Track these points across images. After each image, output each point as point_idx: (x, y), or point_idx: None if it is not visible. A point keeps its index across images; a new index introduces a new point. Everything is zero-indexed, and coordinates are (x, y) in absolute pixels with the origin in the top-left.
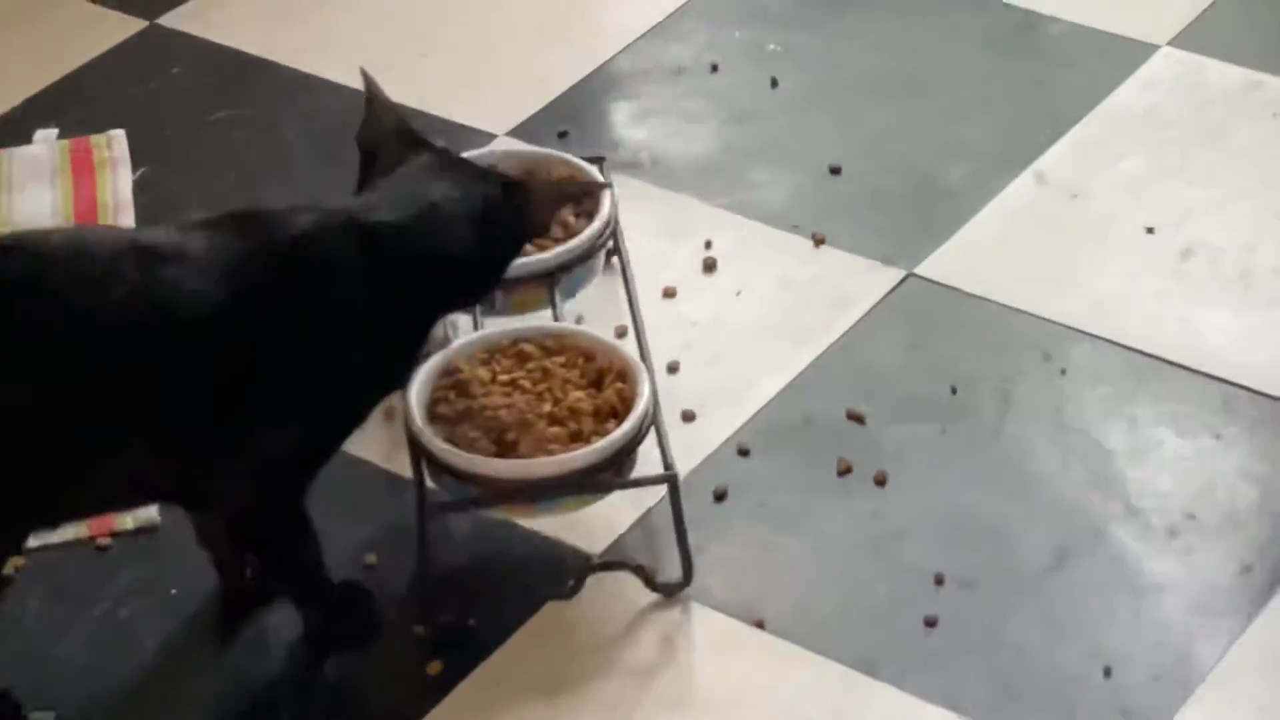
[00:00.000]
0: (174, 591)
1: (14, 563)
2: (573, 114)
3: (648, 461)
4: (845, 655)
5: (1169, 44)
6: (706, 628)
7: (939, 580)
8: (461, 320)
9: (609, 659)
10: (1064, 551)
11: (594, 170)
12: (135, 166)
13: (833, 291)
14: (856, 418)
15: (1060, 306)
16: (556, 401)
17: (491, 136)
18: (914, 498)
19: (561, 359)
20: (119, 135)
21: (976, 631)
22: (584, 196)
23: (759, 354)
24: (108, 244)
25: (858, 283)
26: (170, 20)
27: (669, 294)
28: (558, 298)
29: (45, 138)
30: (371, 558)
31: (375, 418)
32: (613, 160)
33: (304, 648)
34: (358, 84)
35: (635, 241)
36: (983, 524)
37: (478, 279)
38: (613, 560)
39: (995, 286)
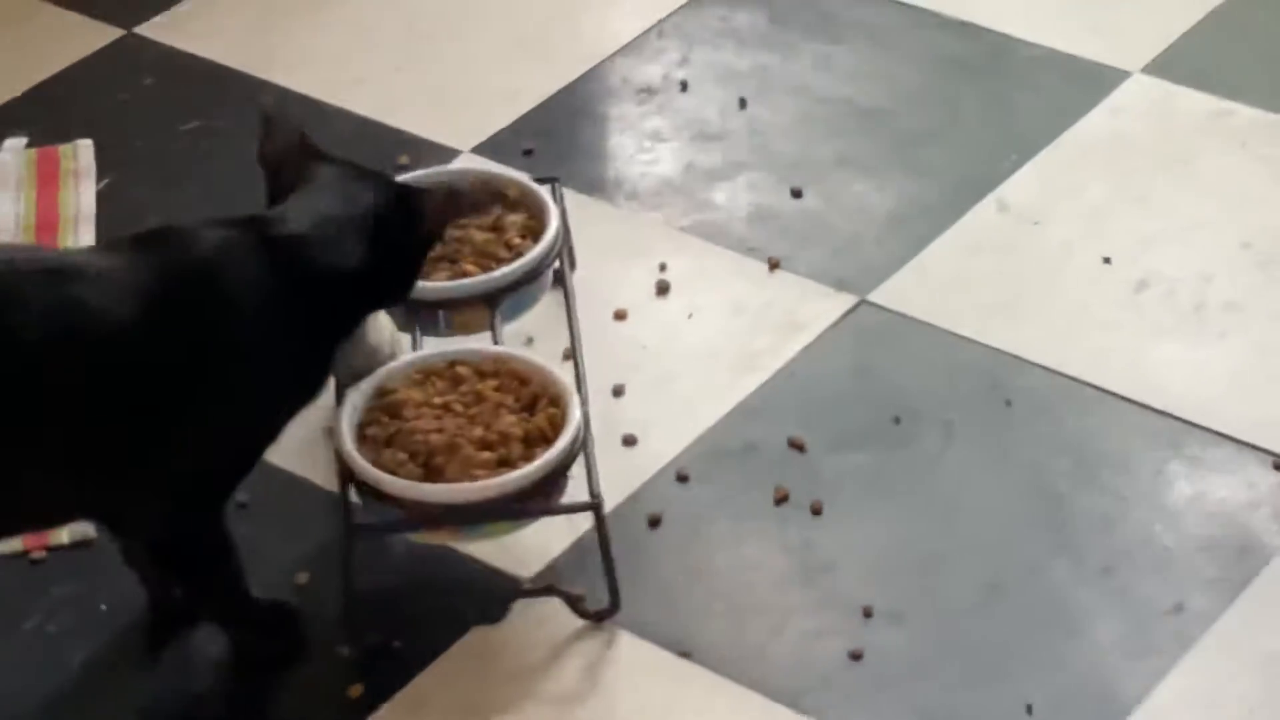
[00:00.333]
0: (104, 607)
1: None
2: (540, 131)
3: (584, 487)
4: (768, 687)
5: (1141, 70)
6: (632, 656)
7: (868, 613)
8: (404, 340)
9: (531, 686)
10: (995, 587)
11: (544, 190)
12: (102, 176)
13: (784, 317)
14: (798, 445)
15: (1011, 336)
16: (487, 426)
17: (456, 153)
18: (849, 528)
19: (496, 382)
20: (86, 145)
21: (902, 666)
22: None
23: (705, 379)
24: (17, 264)
25: (810, 308)
26: (147, 30)
27: (620, 316)
28: (498, 319)
29: (13, 147)
30: (304, 577)
31: (317, 437)
32: (575, 180)
33: (229, 667)
34: (329, 98)
35: (590, 262)
36: (916, 557)
37: (382, 287)
38: (540, 586)
39: (947, 314)
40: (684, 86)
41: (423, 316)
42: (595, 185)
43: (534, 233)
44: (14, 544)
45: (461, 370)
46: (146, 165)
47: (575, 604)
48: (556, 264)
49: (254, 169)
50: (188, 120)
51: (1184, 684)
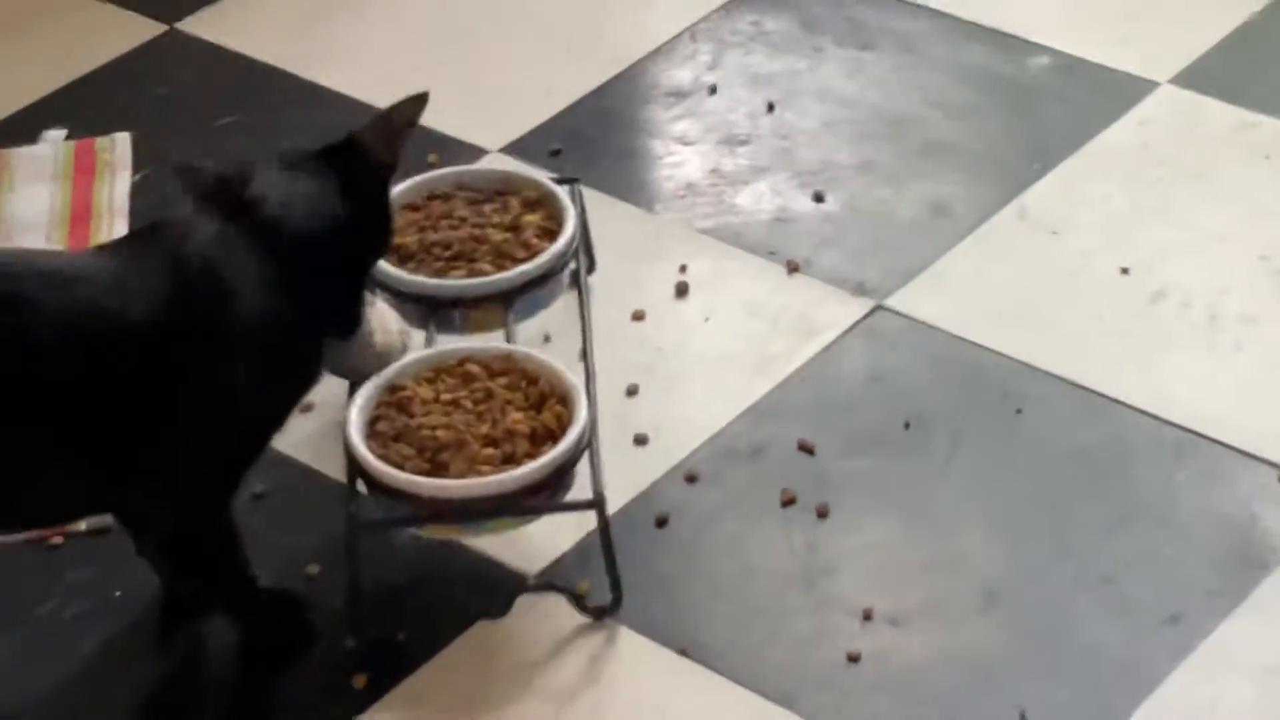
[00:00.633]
0: (118, 593)
1: None
2: (568, 132)
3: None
4: (764, 686)
5: (1169, 81)
6: (632, 652)
7: (867, 616)
8: (416, 339)
9: (531, 680)
10: (995, 593)
11: (564, 191)
12: (137, 169)
13: (800, 321)
14: (807, 449)
15: (1024, 344)
16: (494, 423)
17: (485, 152)
18: (853, 532)
19: (505, 380)
20: (123, 138)
21: (898, 669)
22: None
23: (719, 381)
24: (27, 267)
25: (826, 313)
26: (189, 25)
27: (638, 317)
28: (512, 319)
29: (53, 138)
30: (314, 568)
31: (332, 430)
32: (600, 181)
33: (238, 654)
34: (363, 95)
35: (612, 263)
36: (918, 561)
37: (363, 237)
38: (544, 582)
39: (962, 321)
40: (713, 90)
41: (439, 315)
42: (620, 187)
43: (551, 233)
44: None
45: (472, 368)
46: (180, 158)
47: (578, 600)
48: (573, 264)
49: None
50: (223, 115)
51: (1176, 694)
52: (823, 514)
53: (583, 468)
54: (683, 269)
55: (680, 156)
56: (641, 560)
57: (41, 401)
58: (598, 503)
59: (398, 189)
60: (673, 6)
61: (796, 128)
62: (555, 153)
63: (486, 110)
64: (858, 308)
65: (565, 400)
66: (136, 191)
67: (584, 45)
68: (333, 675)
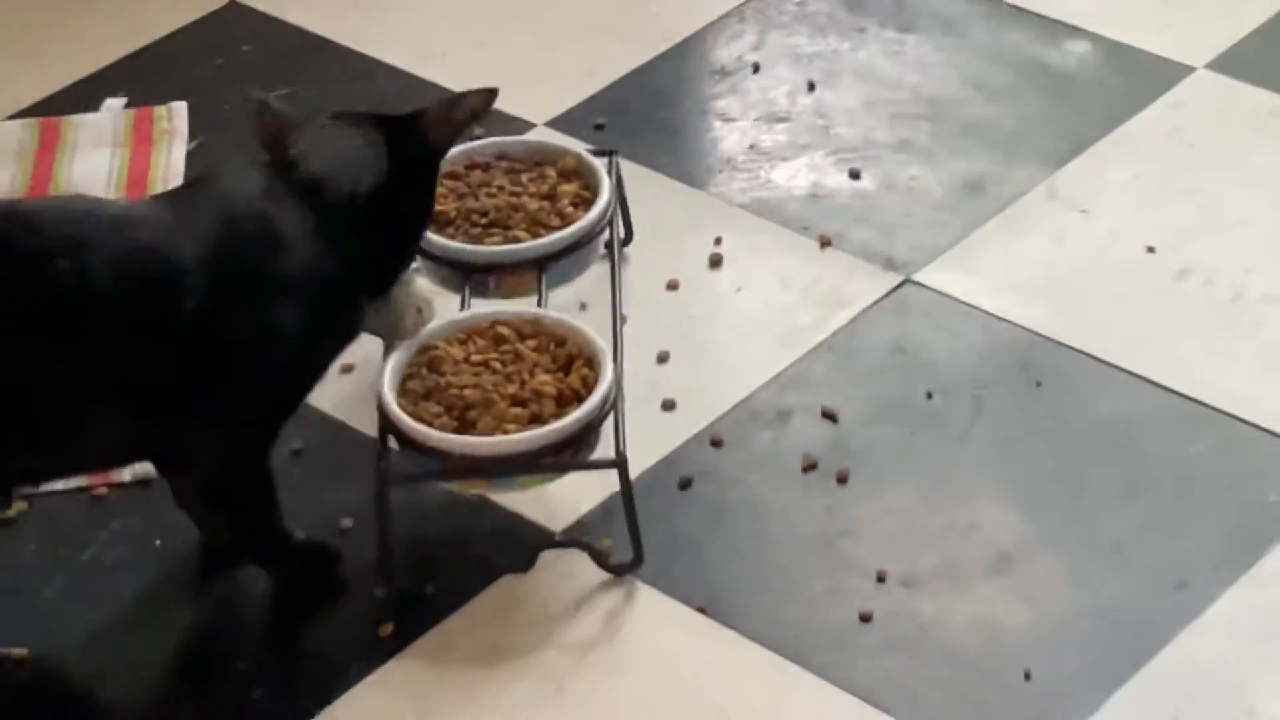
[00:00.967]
0: (158, 543)
1: (17, 506)
2: (613, 107)
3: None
4: (777, 642)
5: (1205, 66)
6: (651, 608)
7: (880, 578)
8: (452, 301)
9: (552, 632)
10: (1006, 557)
11: (600, 162)
12: (193, 137)
13: (829, 293)
14: (830, 416)
15: (1047, 319)
16: (522, 384)
17: (531, 125)
18: (871, 497)
19: (534, 343)
20: (180, 107)
21: (908, 629)
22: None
23: (747, 349)
24: (86, 212)
25: (855, 286)
26: None
27: (672, 286)
28: (544, 285)
29: (113, 106)
30: (348, 522)
31: (372, 392)
32: (640, 155)
33: (269, 603)
34: (415, 69)
35: (649, 234)
36: (933, 527)
37: (402, 206)
38: (568, 539)
39: (988, 296)
40: (756, 69)
41: (473, 280)
42: (661, 160)
43: (587, 203)
44: (79, 480)
45: (502, 330)
46: (234, 128)
47: (600, 557)
48: (607, 234)
49: None
50: (278, 87)
51: (1179, 657)
52: (842, 479)
53: (607, 429)
54: (718, 241)
55: (721, 132)
56: (664, 520)
57: (101, 341)
58: (620, 462)
59: None
60: None
61: (836, 106)
62: (599, 126)
63: (533, 85)
64: (886, 281)
65: (592, 363)
66: (191, 159)
67: (634, 23)
68: (361, 623)
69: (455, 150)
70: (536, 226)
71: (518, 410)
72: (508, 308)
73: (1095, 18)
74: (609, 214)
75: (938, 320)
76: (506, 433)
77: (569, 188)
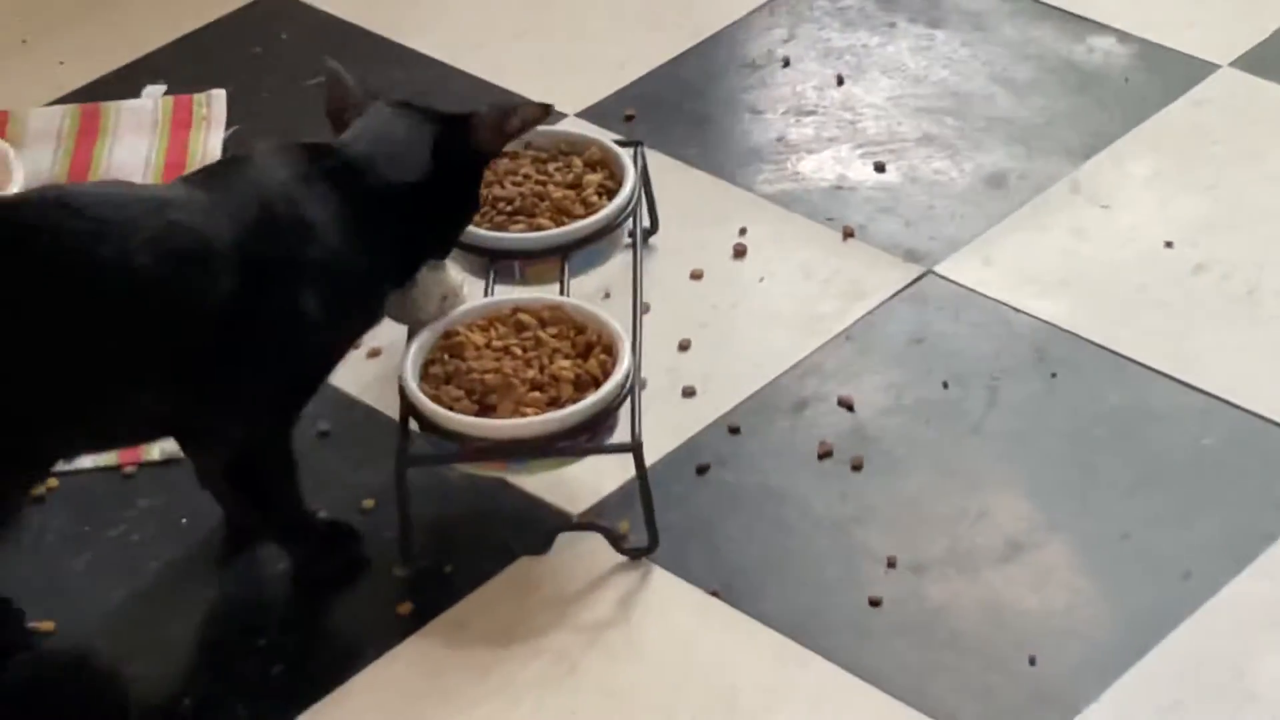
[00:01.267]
0: (184, 521)
1: (48, 483)
2: (643, 99)
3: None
4: (787, 625)
5: (1230, 64)
6: (664, 591)
7: (891, 563)
8: (476, 287)
9: (566, 613)
10: (1016, 545)
11: (626, 153)
12: (230, 124)
13: (850, 284)
14: (847, 404)
15: (1063, 311)
16: (541, 369)
17: (562, 116)
18: (885, 484)
19: (554, 330)
20: (219, 95)
21: (917, 614)
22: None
23: (768, 338)
24: (127, 195)
25: (876, 277)
26: None
27: (696, 276)
28: (567, 272)
29: (153, 93)
30: (370, 502)
31: (397, 376)
32: (669, 146)
33: (290, 581)
34: (450, 59)
35: (674, 224)
36: (945, 513)
37: (443, 204)
38: (584, 522)
39: (1007, 288)
40: (786, 62)
41: (498, 266)
42: (689, 152)
43: (612, 192)
44: (109, 458)
45: (523, 317)
46: (271, 115)
47: (616, 540)
48: (631, 223)
49: None
50: (315, 75)
51: (1182, 645)
52: (857, 466)
53: (625, 414)
54: (742, 232)
55: (749, 125)
56: (680, 505)
57: (143, 320)
58: (635, 446)
59: None
60: None
61: (864, 101)
62: (629, 118)
63: (565, 76)
64: (907, 272)
65: (610, 350)
66: (228, 146)
67: (666, 16)
68: (380, 601)
69: None
70: (561, 215)
71: (536, 394)
72: (529, 295)
73: (1122, 15)
74: (633, 204)
75: (956, 311)
76: (525, 416)
77: (594, 177)
